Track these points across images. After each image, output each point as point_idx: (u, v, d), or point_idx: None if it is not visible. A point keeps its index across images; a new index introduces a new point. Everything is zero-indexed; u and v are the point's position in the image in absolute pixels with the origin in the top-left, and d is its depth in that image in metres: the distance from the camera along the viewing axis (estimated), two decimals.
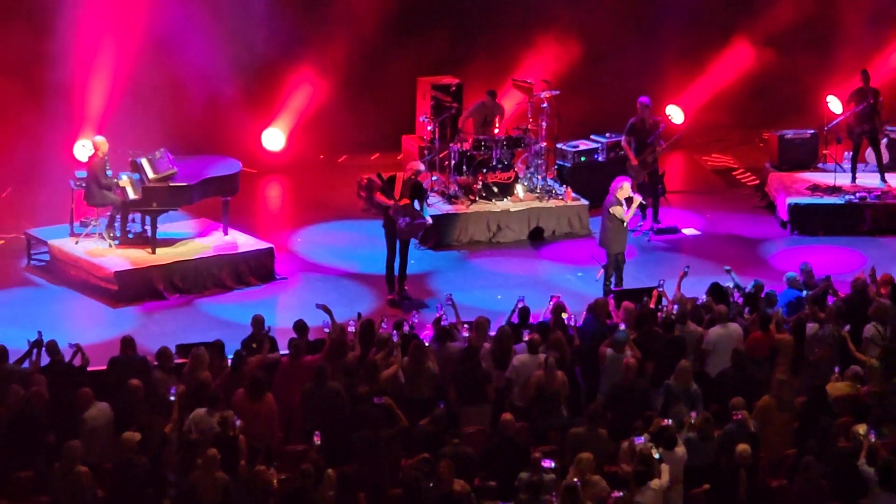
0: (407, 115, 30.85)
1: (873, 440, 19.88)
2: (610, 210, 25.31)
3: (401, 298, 25.47)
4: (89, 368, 21.23)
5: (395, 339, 21.89)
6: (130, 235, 26.33)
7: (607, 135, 29.51)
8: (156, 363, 20.98)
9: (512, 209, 28.39)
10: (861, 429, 20.20)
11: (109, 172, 26.10)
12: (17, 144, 28.94)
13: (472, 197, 28.24)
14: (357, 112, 31.22)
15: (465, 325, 22.75)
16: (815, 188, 29.59)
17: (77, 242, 26.25)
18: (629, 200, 25.76)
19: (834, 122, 29.76)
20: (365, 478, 19.82)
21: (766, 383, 21.36)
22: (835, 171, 29.90)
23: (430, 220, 26.10)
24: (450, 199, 28.19)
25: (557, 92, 28.92)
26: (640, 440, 19.55)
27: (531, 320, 22.92)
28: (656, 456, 19.42)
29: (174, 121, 29.43)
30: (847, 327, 22.48)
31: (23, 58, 29.32)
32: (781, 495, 20.15)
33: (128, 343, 21.10)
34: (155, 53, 30.00)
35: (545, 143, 28.81)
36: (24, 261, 26.88)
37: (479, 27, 32.42)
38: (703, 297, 23.43)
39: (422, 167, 26.31)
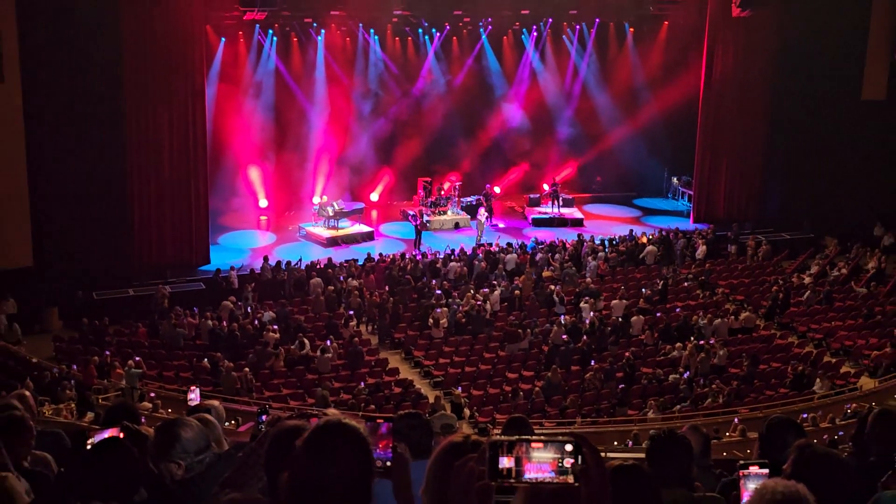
0: (412, 187, 29.02)
1: (558, 289, 22.63)
2: (478, 219, 26.78)
3: (416, 248, 25.58)
4: (318, 266, 23.21)
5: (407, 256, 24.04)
6: (329, 226, 26.44)
7: (478, 195, 28.47)
8: (337, 265, 23.40)
9: (446, 219, 27.99)
10: (553, 285, 22.92)
11: (328, 208, 26.55)
12: (292, 190, 28.09)
13: (435, 216, 27.92)
14: (399, 188, 29.69)
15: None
16: (540, 213, 28.86)
17: (313, 227, 26.65)
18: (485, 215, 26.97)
19: (547, 192, 29.08)
20: (401, 302, 22.06)
21: (523, 272, 23.66)
22: (547, 208, 28.94)
23: (429, 225, 27.10)
24: (428, 215, 27.47)
25: (460, 183, 28.80)
26: (486, 290, 22.34)
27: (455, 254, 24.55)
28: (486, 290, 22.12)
29: (349, 189, 28.73)
30: (550, 254, 24.81)
31: (288, 155, 28.01)
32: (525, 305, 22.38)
33: (329, 259, 23.67)
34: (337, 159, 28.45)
35: (457, 198, 28.48)
36: (297, 234, 26.76)
37: (431, 155, 29.49)
38: (505, 246, 24.97)
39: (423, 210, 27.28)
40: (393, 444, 2.76)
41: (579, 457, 2.32)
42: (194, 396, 8.64)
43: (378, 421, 2.79)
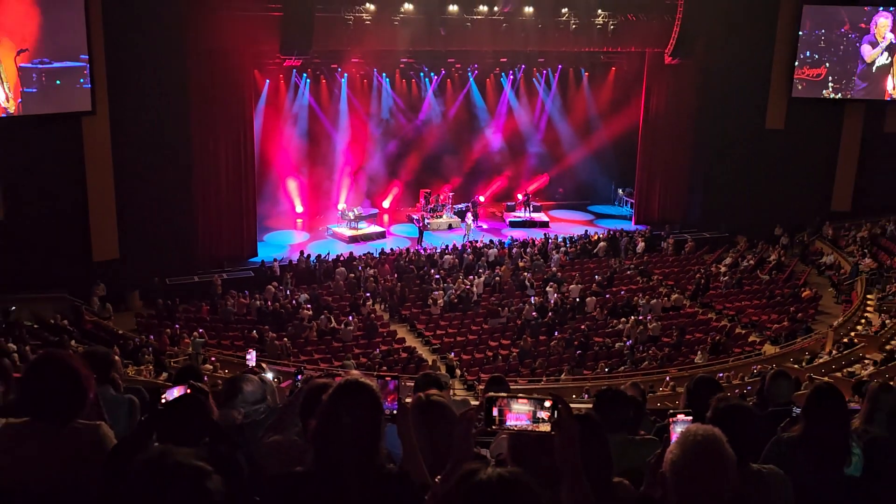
0: (415, 196, 28.23)
1: (529, 276, 22.16)
2: (467, 222, 26.20)
3: (419, 244, 24.88)
4: (342, 258, 22.71)
5: (412, 250, 23.35)
6: (351, 227, 25.30)
7: (467, 202, 27.86)
8: (357, 258, 22.99)
9: (442, 221, 27.18)
10: (526, 273, 22.35)
11: (349, 212, 25.96)
12: (322, 198, 27.35)
13: (433, 219, 27.18)
14: (405, 196, 28.71)
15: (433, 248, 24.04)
16: (515, 217, 27.97)
17: (338, 228, 25.86)
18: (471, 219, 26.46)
19: (521, 201, 28.27)
20: (406, 286, 21.67)
21: (502, 263, 23.19)
22: (520, 213, 28.11)
23: (429, 226, 26.38)
24: (428, 219, 26.76)
25: (453, 193, 28.00)
26: (472, 277, 21.90)
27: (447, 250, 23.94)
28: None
29: (366, 197, 28.11)
30: (523, 249, 24.19)
31: (318, 168, 27.27)
32: (504, 288, 22.05)
33: (351, 253, 23.19)
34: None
35: (450, 205, 27.74)
36: (326, 233, 26.00)
37: (430, 171, 28.51)
38: (488, 243, 24.64)
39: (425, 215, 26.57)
40: (398, 398, 2.69)
41: (555, 412, 2.28)
42: (251, 357, 8.43)
43: (387, 379, 2.74)
